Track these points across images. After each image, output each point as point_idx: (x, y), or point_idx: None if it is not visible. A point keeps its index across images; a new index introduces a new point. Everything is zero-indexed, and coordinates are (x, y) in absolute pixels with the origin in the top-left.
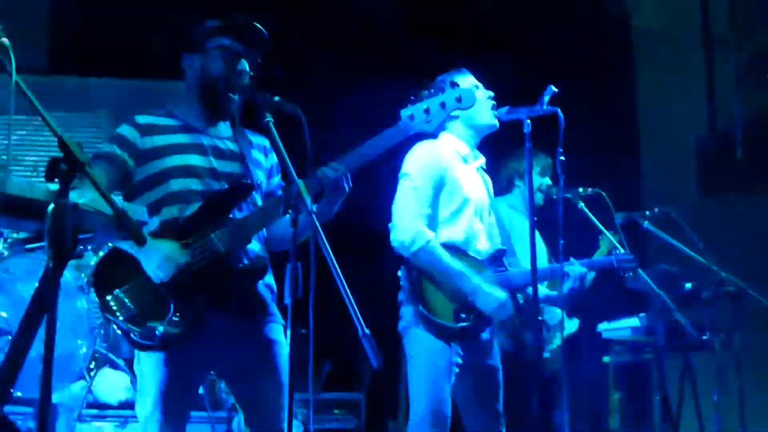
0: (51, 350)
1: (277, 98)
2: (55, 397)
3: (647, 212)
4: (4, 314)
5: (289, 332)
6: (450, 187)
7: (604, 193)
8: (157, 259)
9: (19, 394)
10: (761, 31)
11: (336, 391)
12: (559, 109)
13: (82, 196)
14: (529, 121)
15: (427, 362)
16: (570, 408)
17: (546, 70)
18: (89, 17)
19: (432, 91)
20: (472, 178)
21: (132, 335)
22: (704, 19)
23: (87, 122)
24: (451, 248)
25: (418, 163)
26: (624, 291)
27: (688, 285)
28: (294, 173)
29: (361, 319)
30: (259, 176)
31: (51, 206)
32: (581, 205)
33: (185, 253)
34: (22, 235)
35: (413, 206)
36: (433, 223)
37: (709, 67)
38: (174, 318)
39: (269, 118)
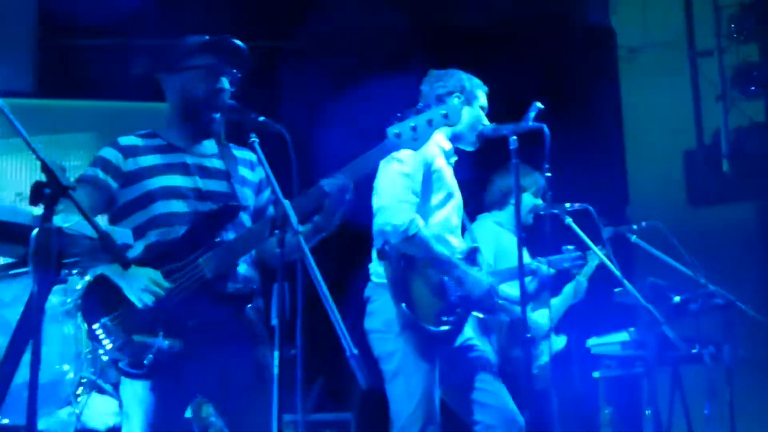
0: (36, 376)
1: (261, 118)
2: (43, 424)
3: (635, 226)
4: None
5: (276, 353)
6: (435, 179)
7: (591, 208)
8: (139, 286)
9: (6, 421)
10: (746, 42)
11: (325, 412)
12: (545, 126)
13: (67, 220)
14: (515, 137)
15: (411, 365)
16: (560, 423)
17: (531, 87)
18: (76, 40)
19: (420, 106)
20: (451, 174)
21: (120, 363)
22: (689, 32)
23: (74, 144)
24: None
25: (404, 153)
26: (612, 305)
27: (677, 298)
28: (280, 193)
29: (348, 338)
30: (246, 194)
31: (35, 231)
32: (568, 220)
33: (170, 279)
34: (7, 260)
35: (404, 192)
36: (418, 212)
37: (694, 79)
38: (163, 346)
39: (254, 138)
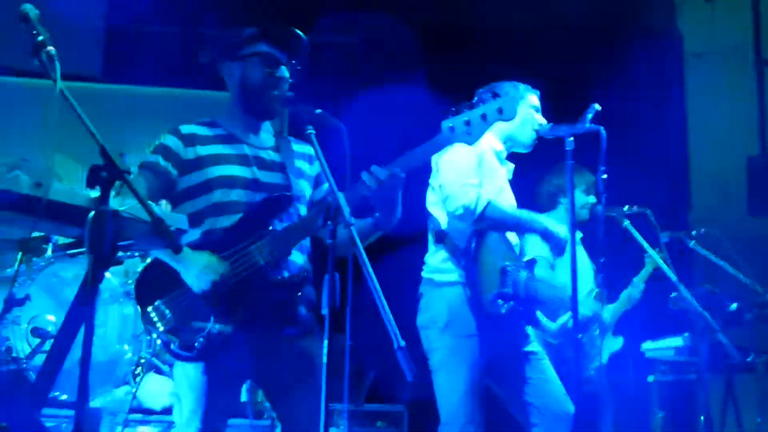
0: (88, 355)
1: (319, 111)
2: (100, 402)
3: (693, 232)
4: (53, 318)
5: (326, 342)
6: (488, 170)
7: (649, 212)
8: (196, 270)
9: (65, 396)
10: None
11: (378, 403)
12: (602, 128)
13: (123, 203)
14: (571, 138)
15: (453, 361)
16: (613, 426)
17: (591, 88)
18: (143, 27)
19: (474, 100)
20: (503, 175)
21: (172, 346)
22: (756, 39)
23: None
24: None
25: (462, 150)
26: (668, 310)
27: (733, 306)
28: (335, 185)
29: (396, 330)
30: (302, 186)
31: (91, 213)
32: (626, 223)
33: (224, 264)
34: (67, 240)
35: (465, 175)
36: None
37: (760, 86)
38: (213, 330)
39: (311, 130)
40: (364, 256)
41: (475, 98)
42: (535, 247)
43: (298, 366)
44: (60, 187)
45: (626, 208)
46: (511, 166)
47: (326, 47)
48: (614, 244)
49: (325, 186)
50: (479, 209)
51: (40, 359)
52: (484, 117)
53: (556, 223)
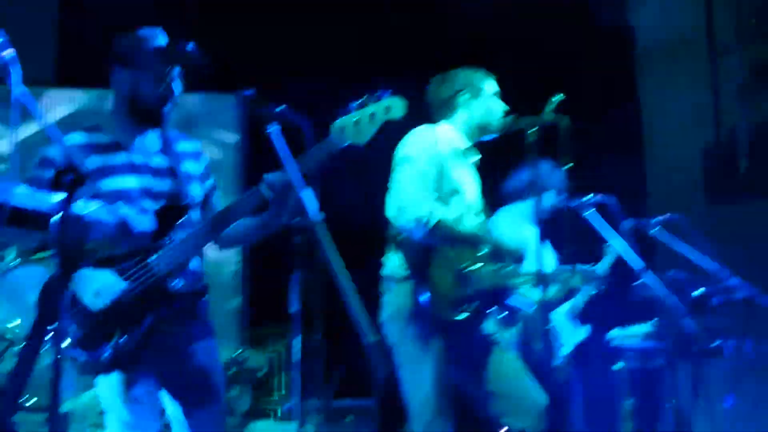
0: (59, 358)
1: (280, 107)
2: (68, 405)
3: (654, 219)
4: (18, 322)
5: (297, 340)
6: (446, 177)
7: (610, 201)
8: (93, 289)
9: (35, 399)
10: (766, 40)
11: (350, 397)
12: (563, 118)
13: (86, 206)
14: (533, 130)
15: (417, 355)
16: (582, 415)
17: (550, 81)
18: (97, 28)
19: (364, 99)
20: (467, 174)
21: (80, 360)
22: (709, 28)
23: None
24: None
25: (420, 147)
26: (632, 299)
27: (698, 291)
28: (298, 182)
29: (367, 325)
30: (194, 190)
31: (55, 217)
32: (588, 212)
33: (121, 283)
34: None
35: (421, 188)
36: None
37: (714, 76)
38: (119, 341)
39: (274, 127)
40: (330, 252)
41: (365, 97)
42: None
43: (200, 369)
44: (23, 191)
45: (587, 197)
46: (476, 158)
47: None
48: (579, 234)
49: (210, 181)
50: (430, 225)
51: (5, 365)
52: (372, 117)
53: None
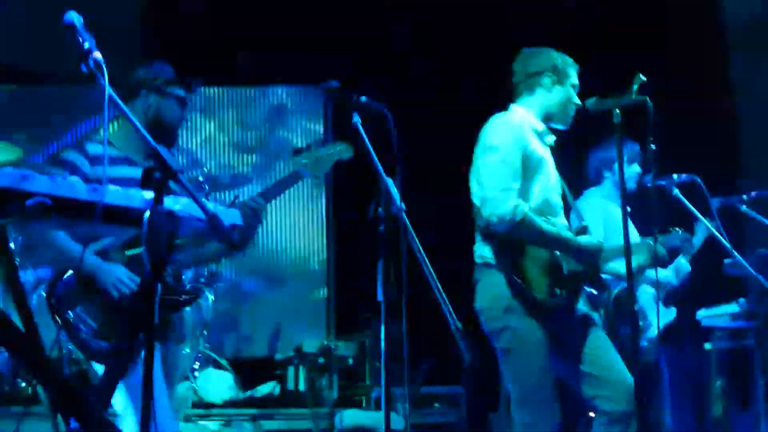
0: (151, 352)
1: (363, 98)
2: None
3: (744, 196)
4: None
5: (383, 329)
6: (532, 161)
7: (698, 179)
8: (114, 278)
9: None
10: None
11: (437, 385)
12: (648, 98)
13: (177, 202)
14: (618, 111)
15: (522, 341)
16: (671, 396)
17: (636, 60)
18: (180, 27)
19: (320, 139)
20: (548, 155)
21: (92, 347)
22: None
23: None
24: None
25: (503, 136)
26: (723, 277)
27: None
28: (382, 171)
29: (452, 313)
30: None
31: (147, 213)
32: (676, 191)
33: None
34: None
35: (505, 179)
36: (521, 196)
37: None
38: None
39: (357, 119)
40: (417, 241)
41: (316, 141)
42: None
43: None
44: (114, 190)
45: (675, 176)
46: (552, 139)
47: None
48: (665, 215)
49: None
50: (514, 222)
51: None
52: (330, 156)
53: (590, 240)
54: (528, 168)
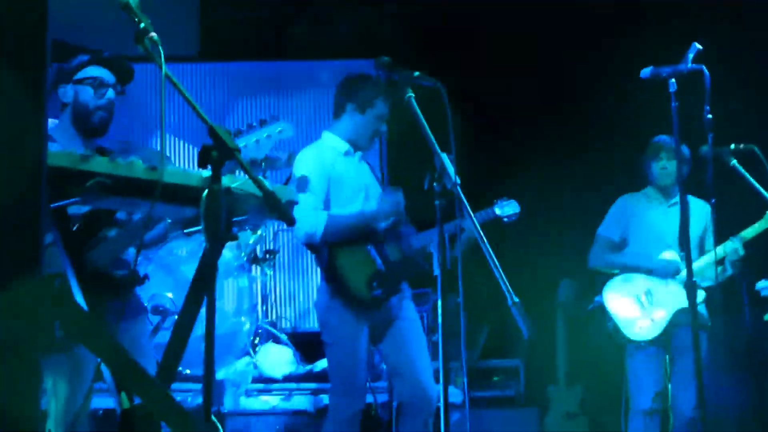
0: (212, 328)
1: (416, 73)
2: (222, 374)
3: None
4: (170, 295)
5: (439, 302)
6: (337, 181)
7: (756, 148)
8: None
9: (188, 371)
10: None
11: (495, 358)
12: (704, 67)
13: (234, 180)
14: (674, 80)
15: (338, 336)
16: (732, 366)
17: (692, 29)
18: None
19: (260, 120)
20: (354, 168)
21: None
22: None
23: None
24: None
25: (308, 164)
26: None
27: None
28: (437, 146)
29: (509, 287)
30: None
31: (205, 192)
32: (734, 161)
33: None
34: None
35: (309, 200)
36: (327, 207)
37: None
38: None
39: (410, 93)
40: (473, 215)
41: (257, 121)
42: None
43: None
44: (173, 169)
45: (732, 146)
46: (356, 157)
47: None
48: (721, 185)
49: None
50: (319, 232)
51: (162, 336)
52: (269, 137)
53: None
54: (336, 186)
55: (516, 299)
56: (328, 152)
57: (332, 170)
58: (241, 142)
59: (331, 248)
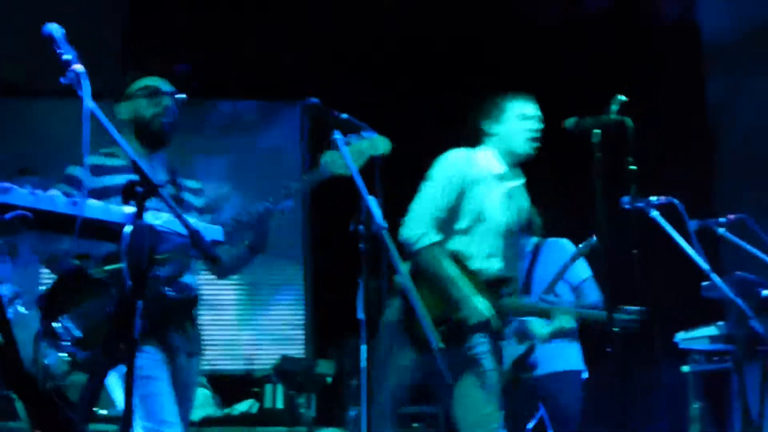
0: (132, 368)
1: (344, 115)
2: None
3: (721, 219)
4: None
5: (364, 347)
6: (473, 200)
7: (676, 201)
8: None
9: (104, 412)
10: None
11: (415, 405)
12: (627, 118)
13: (157, 217)
14: (598, 131)
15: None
16: (650, 418)
17: (613, 82)
18: (163, 41)
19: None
20: (500, 198)
21: (77, 358)
22: None
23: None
24: (456, 259)
25: (446, 168)
26: (700, 299)
27: (766, 292)
28: (364, 189)
29: (434, 332)
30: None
31: (127, 228)
32: (655, 213)
33: None
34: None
35: (428, 207)
36: (446, 229)
37: None
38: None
39: (338, 135)
40: (399, 261)
41: (352, 135)
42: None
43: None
44: (94, 203)
45: (653, 198)
46: (515, 182)
47: None
48: (643, 236)
49: (208, 218)
50: (416, 247)
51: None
52: (360, 153)
53: (481, 300)
54: (468, 204)
55: (441, 345)
56: None
57: None
58: (325, 158)
59: None
